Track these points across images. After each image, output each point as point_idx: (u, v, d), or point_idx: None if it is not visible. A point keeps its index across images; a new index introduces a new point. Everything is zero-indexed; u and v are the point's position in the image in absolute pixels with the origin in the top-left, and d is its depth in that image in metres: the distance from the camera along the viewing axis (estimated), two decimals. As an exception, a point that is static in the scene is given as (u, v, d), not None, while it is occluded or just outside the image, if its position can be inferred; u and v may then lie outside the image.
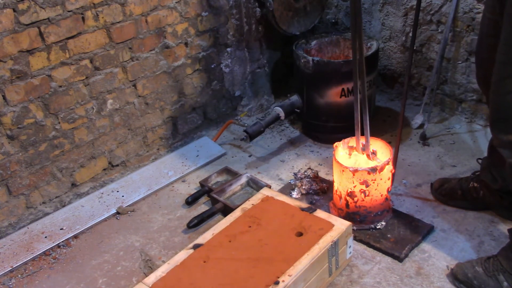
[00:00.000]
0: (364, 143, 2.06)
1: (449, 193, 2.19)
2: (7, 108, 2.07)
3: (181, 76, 2.68)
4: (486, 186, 2.07)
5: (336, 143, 2.13)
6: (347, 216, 2.08)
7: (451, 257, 1.94)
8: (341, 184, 2.07)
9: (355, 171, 1.97)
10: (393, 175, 2.09)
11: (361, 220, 2.08)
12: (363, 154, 2.09)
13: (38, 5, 2.03)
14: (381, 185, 2.01)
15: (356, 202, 2.05)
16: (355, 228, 2.07)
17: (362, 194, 2.01)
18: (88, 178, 2.46)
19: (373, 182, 1.99)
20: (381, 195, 2.04)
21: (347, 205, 2.08)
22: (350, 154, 2.14)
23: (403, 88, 3.05)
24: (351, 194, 2.04)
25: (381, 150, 2.11)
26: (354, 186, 2.01)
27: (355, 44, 1.76)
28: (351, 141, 2.13)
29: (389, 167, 2.01)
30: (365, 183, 1.98)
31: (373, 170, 1.96)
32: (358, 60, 1.79)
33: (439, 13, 2.70)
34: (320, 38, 2.90)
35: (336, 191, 2.14)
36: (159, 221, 2.31)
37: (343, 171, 2.01)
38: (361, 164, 2.10)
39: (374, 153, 2.09)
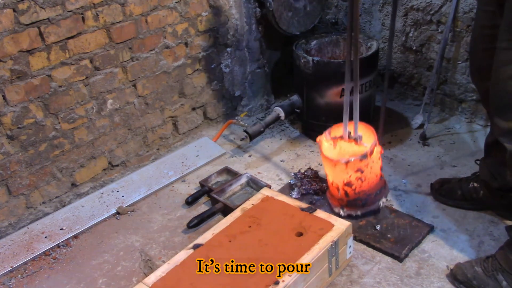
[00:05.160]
0: (348, 130, 2.04)
1: (449, 193, 2.19)
2: (7, 108, 2.07)
3: (181, 76, 2.68)
4: (486, 186, 2.07)
5: (318, 138, 2.11)
6: (348, 204, 2.09)
7: (451, 257, 1.94)
8: (336, 177, 2.06)
9: (347, 162, 1.96)
10: (381, 155, 2.08)
11: (363, 204, 2.09)
12: (350, 142, 2.07)
13: (38, 5, 2.03)
14: (374, 167, 2.02)
15: (354, 190, 2.05)
16: (360, 213, 2.09)
17: (359, 180, 2.02)
18: (88, 178, 2.46)
19: (367, 167, 1.99)
20: (376, 176, 2.05)
21: (346, 194, 2.08)
22: (335, 145, 2.12)
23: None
24: (348, 184, 2.04)
25: (365, 134, 2.08)
26: (350, 176, 2.01)
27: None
28: (333, 132, 2.11)
29: (377, 149, 2.01)
30: (360, 170, 1.98)
31: (364, 156, 1.95)
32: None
33: (439, 13, 2.69)
34: (320, 38, 2.90)
35: (332, 183, 2.13)
36: (159, 221, 2.31)
37: (335, 165, 2.00)
38: (346, 150, 2.09)
39: (359, 137, 2.07)
